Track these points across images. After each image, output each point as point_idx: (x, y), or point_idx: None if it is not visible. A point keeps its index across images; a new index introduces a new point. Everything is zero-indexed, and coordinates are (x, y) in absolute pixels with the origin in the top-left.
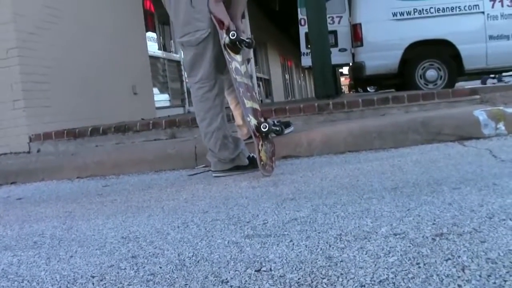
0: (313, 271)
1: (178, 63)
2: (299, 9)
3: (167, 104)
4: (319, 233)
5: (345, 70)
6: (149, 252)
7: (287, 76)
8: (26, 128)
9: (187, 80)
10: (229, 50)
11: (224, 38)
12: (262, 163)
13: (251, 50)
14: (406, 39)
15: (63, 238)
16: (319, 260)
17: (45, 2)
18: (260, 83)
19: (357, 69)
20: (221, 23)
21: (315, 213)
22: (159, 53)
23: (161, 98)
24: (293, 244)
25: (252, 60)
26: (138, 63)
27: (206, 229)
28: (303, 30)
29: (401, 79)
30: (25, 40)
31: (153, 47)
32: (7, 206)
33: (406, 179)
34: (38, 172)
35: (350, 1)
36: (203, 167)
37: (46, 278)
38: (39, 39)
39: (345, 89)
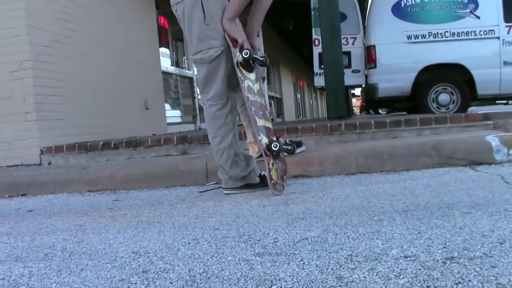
0: None
1: (190, 79)
2: (313, 29)
3: (179, 120)
4: (329, 253)
5: (356, 91)
6: (160, 268)
7: (298, 96)
8: (38, 140)
9: (199, 97)
10: (241, 69)
11: (237, 57)
12: (272, 182)
13: (265, 69)
14: (420, 62)
15: (74, 251)
16: (329, 280)
17: (59, 15)
18: (272, 102)
19: (369, 91)
20: (234, 41)
21: (326, 233)
22: (172, 69)
23: (172, 114)
24: (304, 263)
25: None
26: (150, 78)
27: (216, 246)
28: (316, 50)
29: (413, 102)
30: (39, 52)
31: (166, 63)
32: (18, 218)
33: (417, 202)
34: (49, 185)
35: (364, 23)
36: (214, 184)
37: None
38: (53, 52)
39: (356, 110)
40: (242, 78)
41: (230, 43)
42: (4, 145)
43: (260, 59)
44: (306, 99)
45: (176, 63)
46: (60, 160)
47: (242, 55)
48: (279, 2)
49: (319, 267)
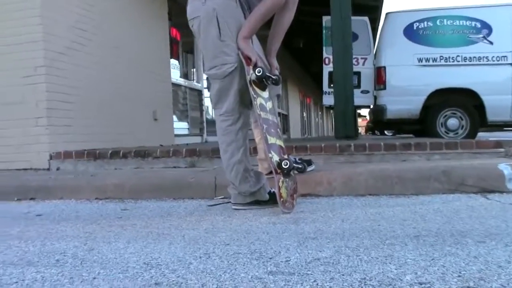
0: None
1: (199, 91)
2: (324, 48)
3: (186, 132)
4: (343, 275)
5: (362, 111)
6: (172, 281)
7: (305, 114)
8: (47, 145)
9: (209, 110)
10: (254, 86)
11: (250, 74)
12: (282, 199)
13: (280, 86)
14: (430, 86)
15: (85, 259)
16: None
17: (75, 24)
18: (279, 118)
19: (378, 112)
20: (248, 59)
21: (338, 254)
22: (181, 80)
23: (180, 126)
24: (317, 284)
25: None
26: (160, 89)
27: (228, 262)
28: (326, 69)
29: (421, 125)
30: (53, 59)
31: (175, 75)
32: (28, 222)
33: (429, 228)
34: (57, 190)
35: (375, 44)
36: (222, 198)
37: None
38: (67, 59)
39: (361, 130)
40: (255, 96)
41: (244, 60)
42: (14, 148)
43: (273, 77)
44: (312, 116)
45: (186, 75)
46: (69, 166)
47: (255, 73)
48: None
49: None
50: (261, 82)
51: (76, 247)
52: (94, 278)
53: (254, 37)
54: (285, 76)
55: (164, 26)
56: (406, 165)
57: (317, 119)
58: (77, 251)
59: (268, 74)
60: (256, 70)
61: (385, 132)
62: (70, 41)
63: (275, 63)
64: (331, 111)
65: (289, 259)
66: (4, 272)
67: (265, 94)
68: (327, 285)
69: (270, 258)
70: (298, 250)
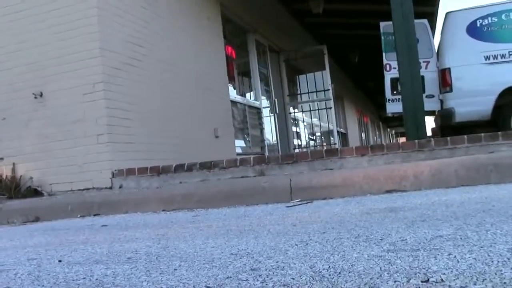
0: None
1: (258, 109)
2: (384, 54)
3: (248, 150)
4: (481, 247)
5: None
6: (271, 266)
7: (363, 135)
8: (108, 163)
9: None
10: None
11: None
12: None
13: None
14: (500, 84)
15: (160, 255)
16: (505, 272)
17: (132, 39)
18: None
19: (445, 116)
20: None
21: (462, 231)
22: (239, 98)
23: (241, 144)
24: (455, 257)
25: (333, 111)
26: (219, 106)
27: (332, 246)
28: (388, 76)
29: (493, 127)
30: (111, 75)
31: (232, 92)
32: (93, 231)
33: None
34: (122, 204)
35: (438, 45)
36: (299, 201)
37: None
38: (124, 75)
39: None
40: None
41: None
42: (76, 168)
43: None
44: (370, 136)
45: (243, 93)
46: (132, 183)
47: None
48: (344, 36)
49: (479, 260)
50: None
51: (149, 246)
52: (175, 269)
53: None
54: (341, 95)
55: (220, 44)
56: (499, 154)
57: (375, 138)
58: (151, 250)
59: None
60: None
61: None
62: (127, 56)
63: None
64: (389, 129)
65: (404, 239)
66: (70, 270)
67: None
68: (469, 257)
69: (381, 240)
70: (410, 230)
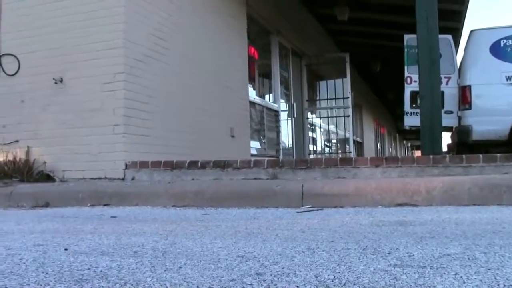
0: None
1: (275, 112)
2: (405, 67)
3: (263, 152)
4: (489, 269)
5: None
6: (277, 271)
7: (379, 145)
8: (123, 154)
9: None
10: None
11: None
12: None
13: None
14: None
15: (167, 251)
16: None
17: (155, 32)
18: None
19: (463, 133)
20: None
21: (470, 251)
22: (258, 99)
23: (256, 145)
24: (461, 277)
25: (350, 119)
26: (238, 106)
27: (339, 256)
28: (408, 89)
29: (509, 147)
30: (132, 66)
31: (252, 93)
32: (101, 221)
33: None
34: (133, 197)
35: (460, 62)
36: (310, 207)
37: (154, 285)
38: (145, 67)
39: None
40: None
41: None
42: (90, 157)
43: None
44: (386, 147)
45: (262, 94)
46: (144, 176)
47: None
48: (366, 44)
49: (485, 282)
50: None
51: (156, 241)
52: (180, 267)
53: None
54: (360, 104)
55: (243, 43)
56: None
57: (390, 149)
58: (157, 245)
59: None
60: None
61: None
62: (148, 49)
63: None
64: (405, 141)
65: (411, 254)
66: (75, 259)
67: None
68: (475, 278)
69: (388, 253)
70: (418, 246)
